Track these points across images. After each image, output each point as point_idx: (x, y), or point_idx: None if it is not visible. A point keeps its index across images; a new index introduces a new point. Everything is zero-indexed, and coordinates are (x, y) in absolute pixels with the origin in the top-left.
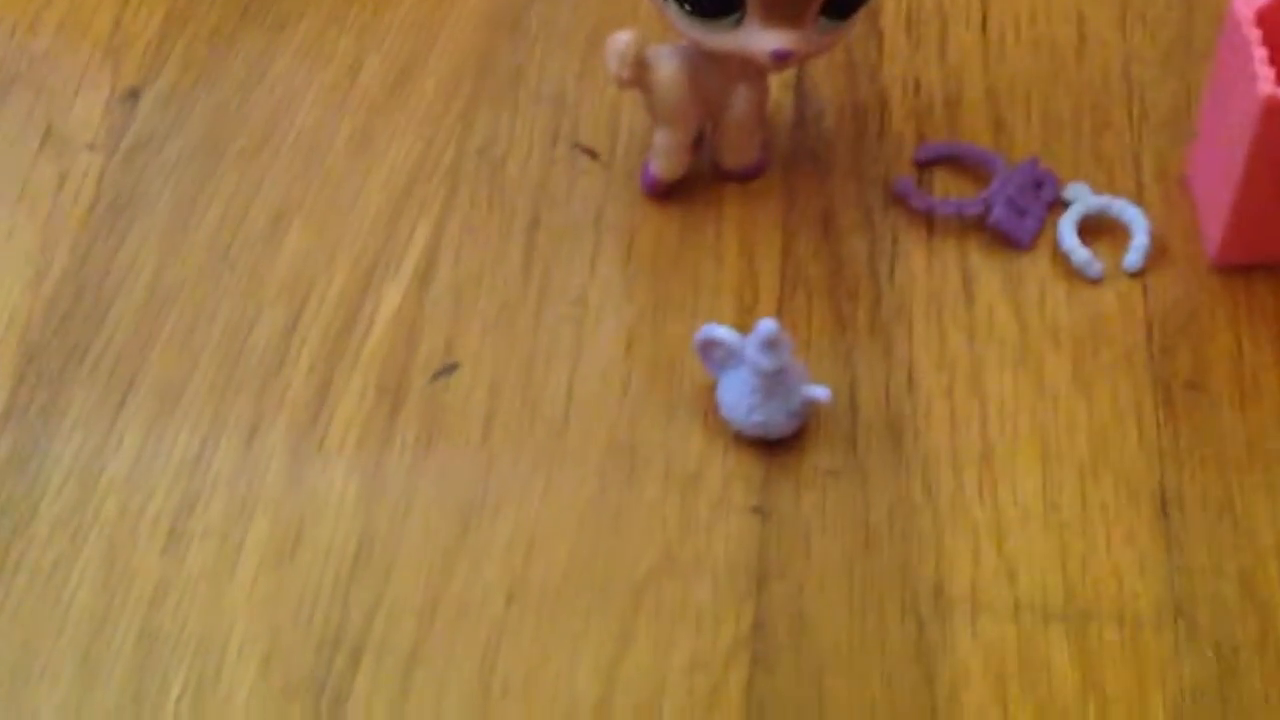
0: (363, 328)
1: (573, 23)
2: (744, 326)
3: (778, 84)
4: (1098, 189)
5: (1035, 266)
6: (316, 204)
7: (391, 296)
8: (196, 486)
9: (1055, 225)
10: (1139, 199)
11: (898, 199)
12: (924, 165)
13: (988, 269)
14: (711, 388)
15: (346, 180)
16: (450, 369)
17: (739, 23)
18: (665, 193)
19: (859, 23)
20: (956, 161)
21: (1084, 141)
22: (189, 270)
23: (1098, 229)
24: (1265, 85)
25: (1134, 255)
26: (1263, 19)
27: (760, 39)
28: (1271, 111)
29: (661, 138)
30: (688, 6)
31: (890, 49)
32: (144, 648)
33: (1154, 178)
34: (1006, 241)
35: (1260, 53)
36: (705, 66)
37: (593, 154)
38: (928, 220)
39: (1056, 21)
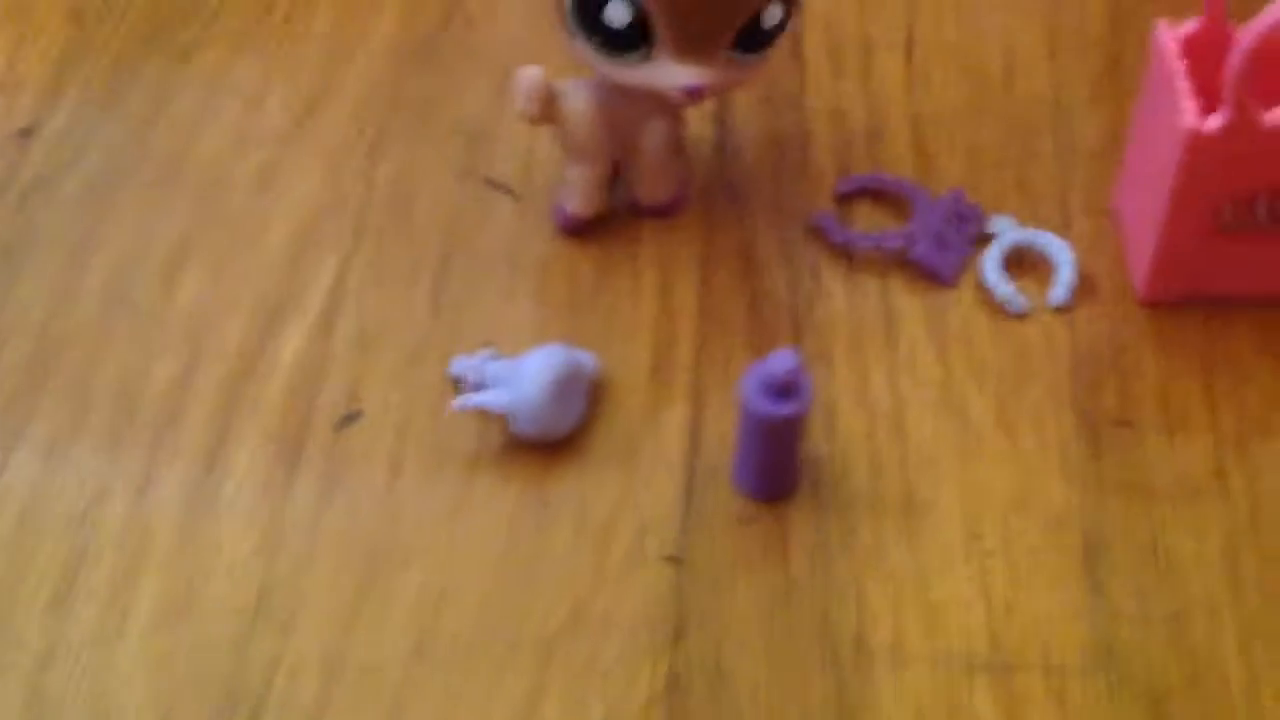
0: (263, 374)
1: (486, 55)
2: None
3: (697, 116)
4: (1023, 222)
5: (959, 302)
6: (218, 243)
7: (294, 341)
8: (84, 542)
9: (979, 260)
10: (1066, 232)
11: (818, 233)
12: (845, 198)
13: (910, 305)
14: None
15: (249, 218)
16: (354, 416)
17: (649, 57)
18: (580, 229)
19: (779, 53)
20: (879, 194)
21: (1010, 173)
22: (82, 316)
23: (1023, 263)
24: (1189, 117)
25: (1059, 290)
26: (1188, 49)
27: (671, 74)
28: (1195, 143)
29: (574, 173)
30: (597, 40)
31: (813, 79)
32: (32, 715)
33: (1081, 210)
34: (929, 277)
35: (1184, 84)
36: (616, 101)
37: (506, 189)
38: (848, 255)
39: (984, 50)
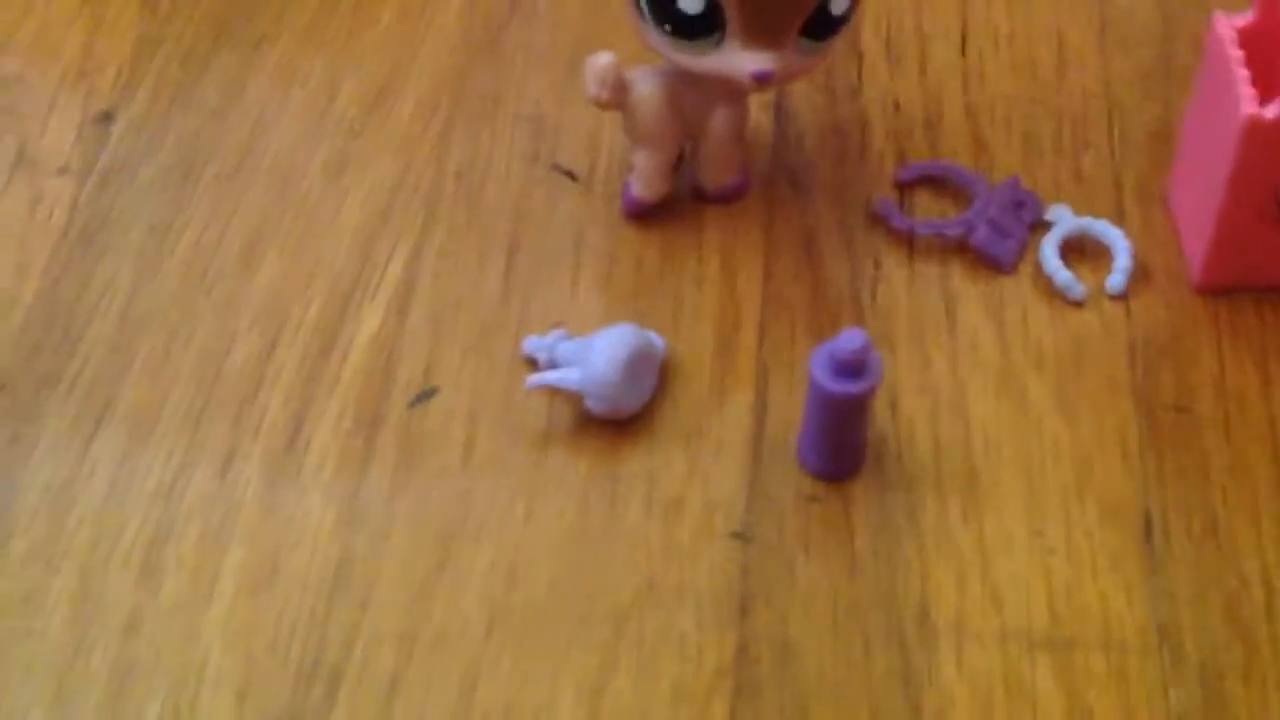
0: (340, 353)
1: (551, 44)
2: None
3: (757, 105)
4: (1079, 210)
5: (1018, 288)
6: (293, 228)
7: (370, 321)
8: (171, 516)
9: (1038, 247)
10: (1121, 221)
11: (879, 220)
12: (905, 186)
13: (970, 291)
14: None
15: (323, 204)
16: (429, 394)
17: (719, 44)
18: (645, 215)
19: (839, 44)
20: (938, 182)
21: (1065, 162)
22: (163, 296)
23: (1080, 251)
24: (1248, 105)
25: (1117, 277)
26: (1245, 39)
27: (741, 60)
28: (1254, 131)
29: (641, 159)
30: (668, 27)
31: (870, 70)
32: (118, 679)
33: (1135, 200)
34: (989, 263)
35: (1243, 72)
36: (684, 88)
37: (573, 176)
38: (909, 241)
39: (1036, 42)
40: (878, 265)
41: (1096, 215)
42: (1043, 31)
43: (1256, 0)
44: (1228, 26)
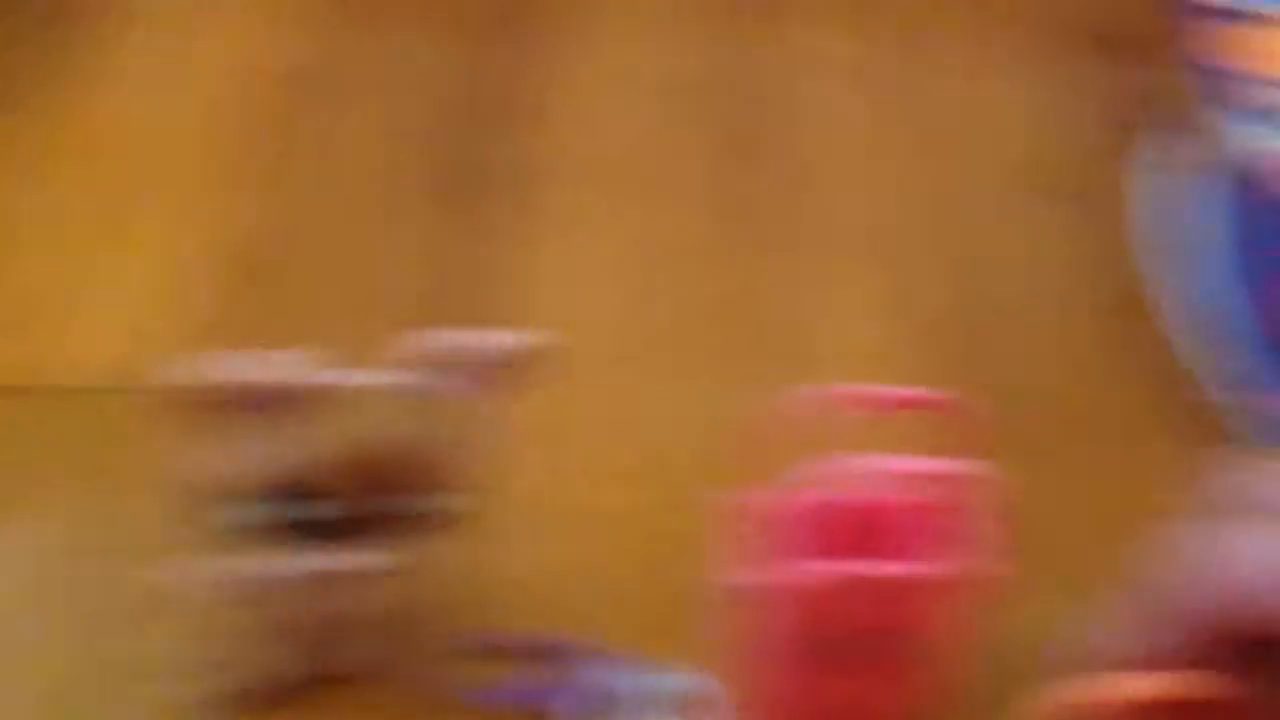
0: None
1: None
2: None
3: None
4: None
5: None
6: None
7: None
8: None
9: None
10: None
11: (458, 694)
12: (488, 657)
13: None
14: None
15: None
16: None
17: None
18: None
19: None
20: (524, 653)
21: (649, 627)
22: None
23: None
24: (765, 574)
25: None
26: (766, 515)
27: None
28: (780, 598)
29: None
30: None
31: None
32: None
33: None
34: None
35: (764, 545)
36: None
37: None
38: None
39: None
40: None
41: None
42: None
43: (767, 479)
44: (755, 501)
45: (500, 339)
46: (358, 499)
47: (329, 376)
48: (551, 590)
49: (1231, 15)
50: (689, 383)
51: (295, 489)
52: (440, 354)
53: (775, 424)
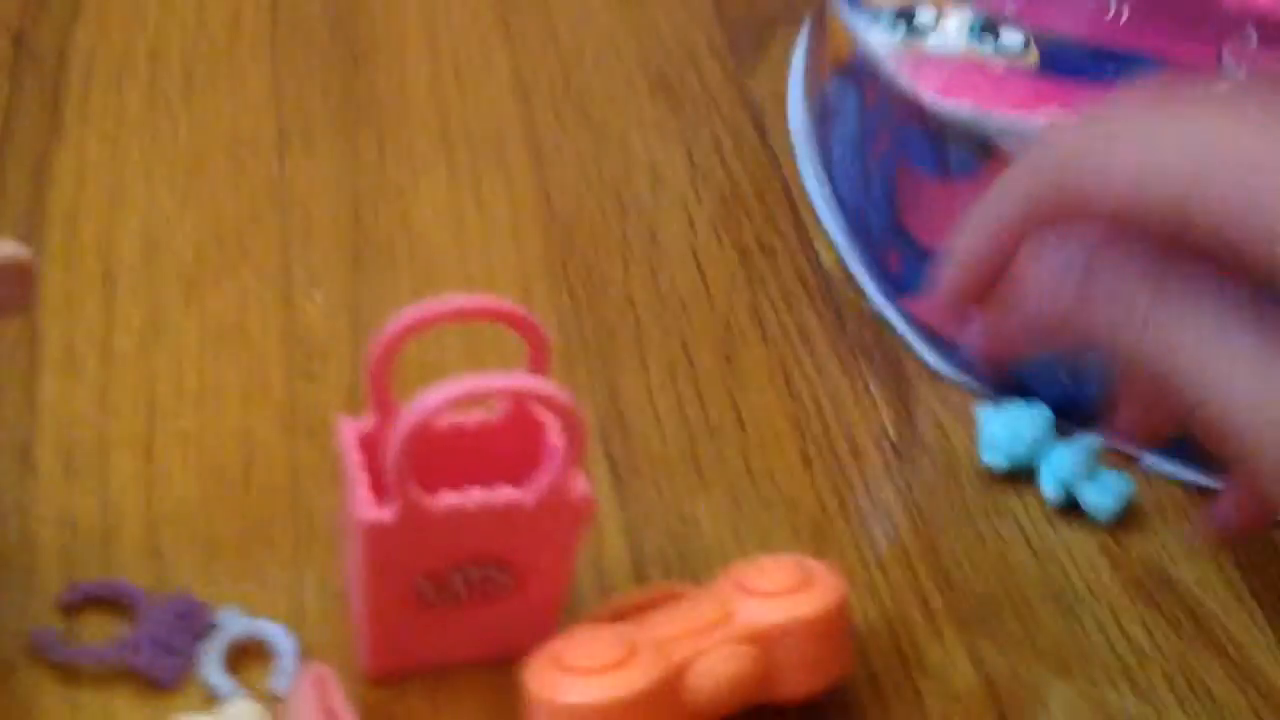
0: None
1: None
2: None
3: None
4: (257, 612)
5: (188, 704)
6: None
7: None
8: None
9: (202, 657)
10: (300, 618)
11: (40, 651)
12: (72, 610)
13: (137, 714)
14: None
15: None
16: None
17: None
18: None
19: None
20: (108, 603)
21: (247, 565)
22: None
23: (252, 654)
24: (363, 508)
25: (279, 678)
26: (365, 443)
27: None
28: (372, 533)
29: None
30: None
31: (45, 486)
32: None
33: (316, 595)
34: (151, 683)
35: (362, 475)
36: None
37: None
38: (74, 672)
39: (225, 445)
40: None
41: (276, 615)
42: (231, 430)
43: (372, 405)
44: (351, 430)
45: None
46: None
47: None
48: (128, 532)
49: None
50: (269, 289)
51: None
52: None
53: (375, 343)
